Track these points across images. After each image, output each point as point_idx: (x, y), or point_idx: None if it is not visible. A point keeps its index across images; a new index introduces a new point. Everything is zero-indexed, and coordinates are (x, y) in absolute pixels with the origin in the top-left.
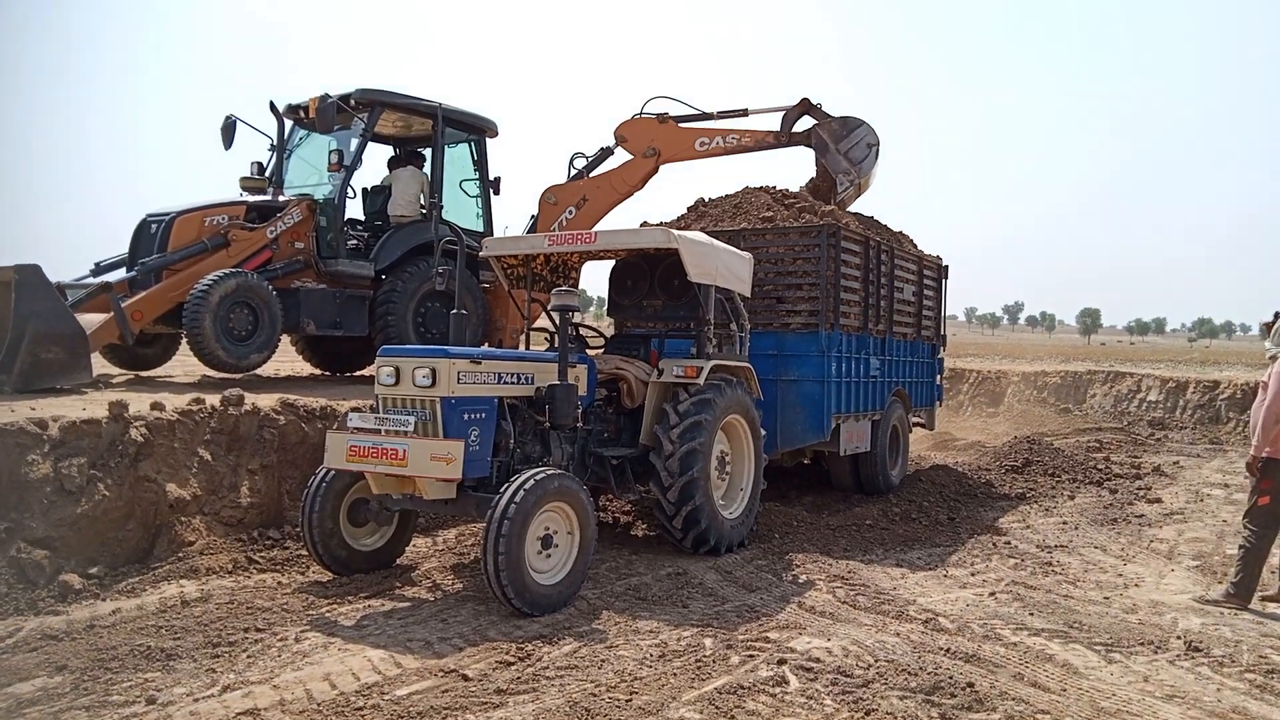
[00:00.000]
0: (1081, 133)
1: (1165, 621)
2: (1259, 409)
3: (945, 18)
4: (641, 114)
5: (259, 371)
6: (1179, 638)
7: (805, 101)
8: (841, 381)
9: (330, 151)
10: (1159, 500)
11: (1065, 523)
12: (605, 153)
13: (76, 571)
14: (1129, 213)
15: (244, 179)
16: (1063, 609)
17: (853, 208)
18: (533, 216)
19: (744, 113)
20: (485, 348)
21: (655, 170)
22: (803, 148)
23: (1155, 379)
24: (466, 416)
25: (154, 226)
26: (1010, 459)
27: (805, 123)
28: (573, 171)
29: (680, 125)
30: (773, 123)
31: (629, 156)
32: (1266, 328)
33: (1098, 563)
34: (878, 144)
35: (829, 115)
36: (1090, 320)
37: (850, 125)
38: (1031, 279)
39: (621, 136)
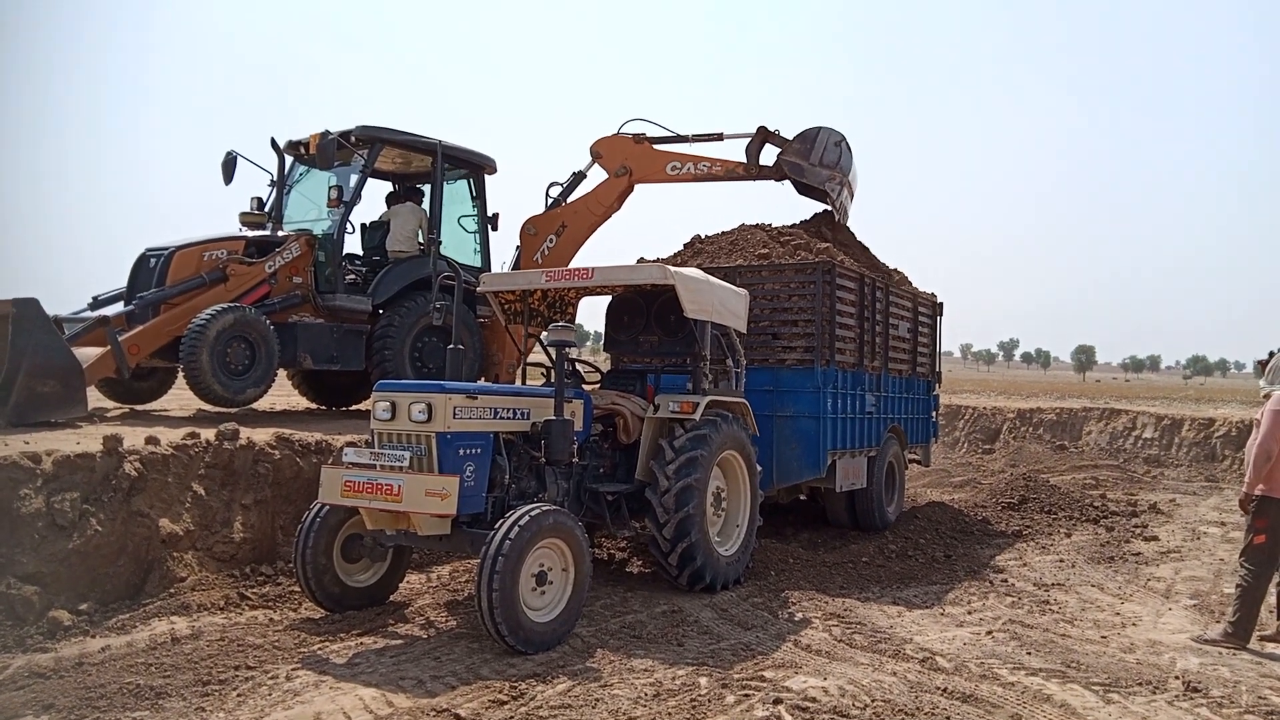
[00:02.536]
0: (1079, 171)
1: (1163, 661)
2: (1252, 447)
3: (937, 50)
4: (619, 133)
5: (255, 405)
6: (1177, 678)
7: (763, 129)
8: (837, 418)
9: (329, 187)
10: (1156, 538)
11: (1062, 560)
12: (578, 177)
13: (66, 608)
14: (1124, 251)
15: (243, 214)
16: (1060, 648)
17: (850, 233)
18: (517, 248)
19: (719, 136)
20: (482, 383)
21: (629, 189)
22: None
23: (1150, 416)
24: (462, 452)
25: (153, 261)
26: (1007, 496)
27: (771, 153)
28: (549, 200)
29: (655, 148)
30: (743, 151)
31: (604, 176)
32: (1261, 366)
33: (1095, 601)
34: (843, 139)
35: (787, 139)
36: (1085, 357)
37: (809, 136)
38: (1027, 316)
39: (597, 152)
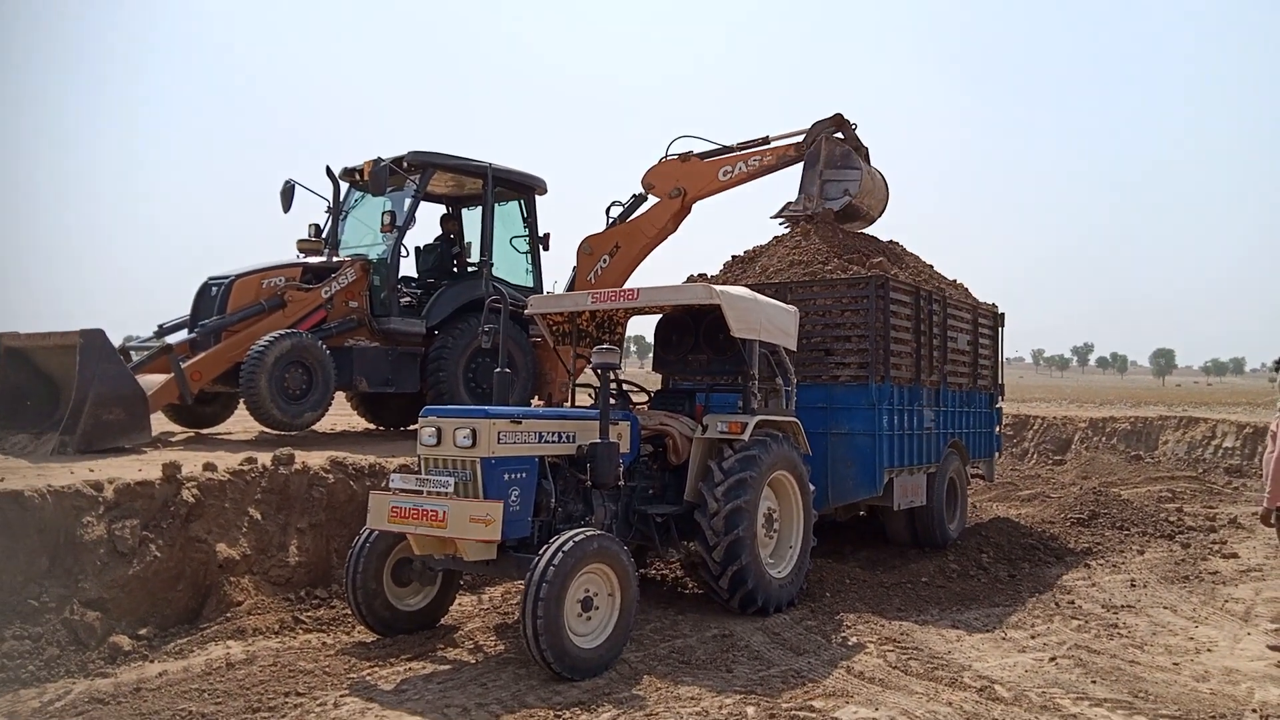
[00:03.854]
0: (1155, 166)
1: (1240, 692)
2: (1269, 460)
3: (1006, 46)
4: (666, 157)
5: (314, 427)
6: (1254, 710)
7: (839, 116)
8: (893, 434)
9: (383, 213)
10: (1235, 555)
11: (1133, 580)
12: (639, 199)
13: (127, 633)
14: (1206, 249)
15: (301, 241)
16: (1128, 676)
17: (905, 249)
18: (574, 267)
19: (765, 140)
20: (533, 405)
21: (684, 210)
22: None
23: (1231, 424)
24: (507, 477)
25: (214, 289)
26: (1076, 511)
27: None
28: (609, 219)
29: (703, 160)
30: (795, 140)
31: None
32: (1277, 366)
33: (1167, 625)
34: (854, 196)
35: (859, 140)
36: (1164, 361)
37: (849, 163)
38: (1103, 319)
39: (649, 183)
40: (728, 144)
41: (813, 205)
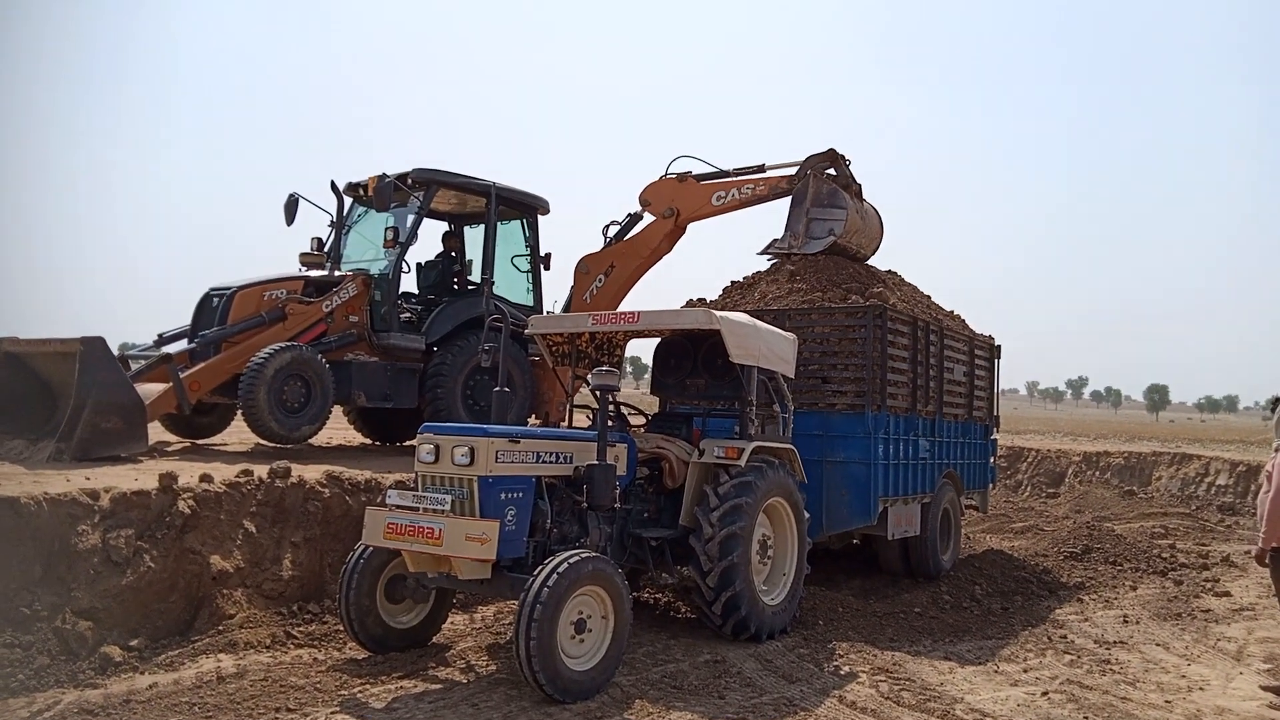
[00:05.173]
0: (1156, 201)
1: None
2: (1265, 500)
3: (1005, 84)
4: (665, 175)
5: (311, 440)
6: None
7: (833, 151)
8: (889, 464)
9: (386, 229)
10: (1228, 594)
11: (1126, 616)
12: (634, 218)
13: (118, 643)
14: (1200, 285)
15: (303, 254)
16: (1120, 713)
17: (903, 279)
18: (571, 287)
19: (760, 168)
20: (529, 426)
21: (678, 230)
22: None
23: (1224, 462)
24: (504, 496)
25: (216, 300)
26: (1069, 545)
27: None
28: (606, 239)
29: (700, 183)
30: (788, 172)
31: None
32: (1273, 405)
33: (1159, 662)
34: (839, 237)
35: (851, 176)
36: (1158, 397)
37: (836, 202)
38: (1097, 352)
39: (646, 200)
40: (725, 169)
41: (797, 244)
